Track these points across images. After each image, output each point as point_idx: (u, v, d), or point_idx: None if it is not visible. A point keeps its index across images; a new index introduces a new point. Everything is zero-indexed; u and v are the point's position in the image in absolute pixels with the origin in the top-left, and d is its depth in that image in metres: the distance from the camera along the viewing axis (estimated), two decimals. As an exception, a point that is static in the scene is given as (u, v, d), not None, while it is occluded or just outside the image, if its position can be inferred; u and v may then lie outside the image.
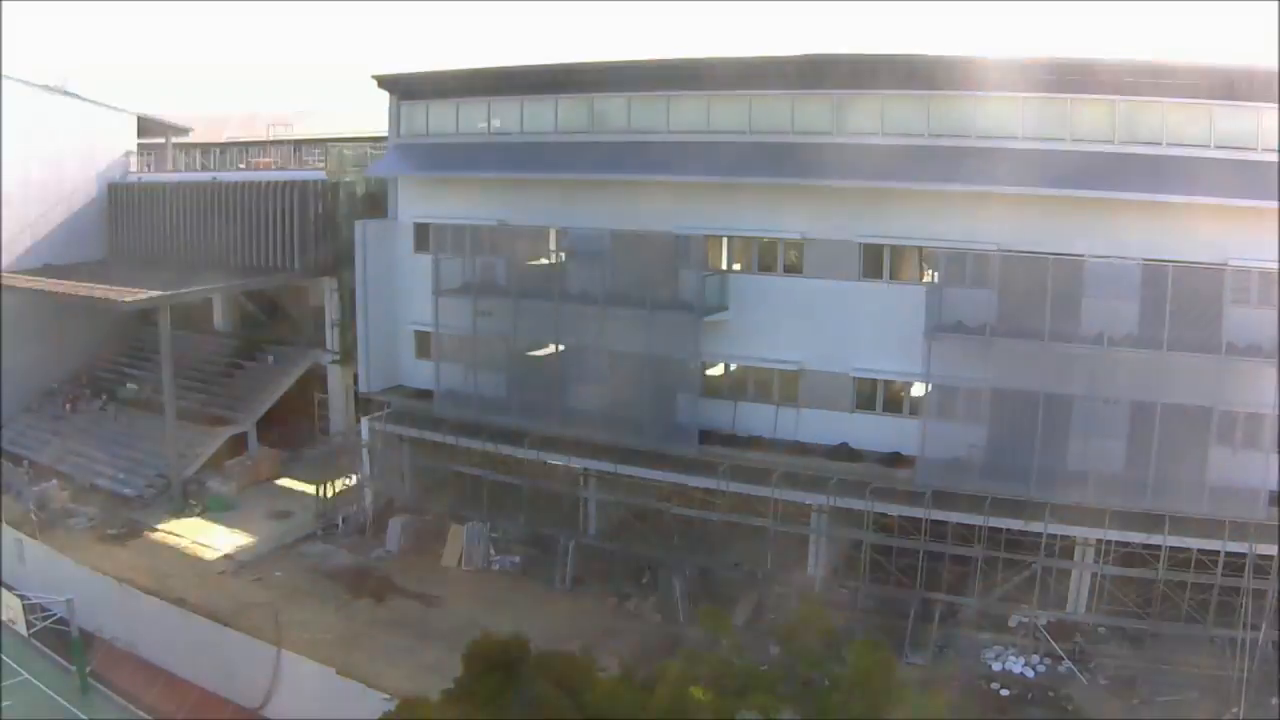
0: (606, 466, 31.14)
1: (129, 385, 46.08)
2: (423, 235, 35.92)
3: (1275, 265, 24.15)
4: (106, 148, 49.64)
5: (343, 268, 39.12)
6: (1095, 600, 26.28)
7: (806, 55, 29.98)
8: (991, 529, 26.32)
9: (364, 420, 36.71)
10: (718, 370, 31.87)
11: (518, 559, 32.71)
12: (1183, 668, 25.23)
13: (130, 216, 48.99)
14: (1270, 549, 24.26)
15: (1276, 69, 25.23)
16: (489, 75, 34.93)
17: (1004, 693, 25.15)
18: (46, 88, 51.45)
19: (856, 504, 27.55)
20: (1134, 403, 25.65)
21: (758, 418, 31.09)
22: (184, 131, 57.39)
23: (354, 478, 36.99)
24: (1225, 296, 24.53)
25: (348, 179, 39.73)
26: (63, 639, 29.56)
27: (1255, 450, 25.08)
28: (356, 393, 38.65)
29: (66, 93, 50.40)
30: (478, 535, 33.08)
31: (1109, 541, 25.36)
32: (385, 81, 36.98)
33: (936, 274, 27.34)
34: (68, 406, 45.42)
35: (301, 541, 35.20)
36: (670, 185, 31.42)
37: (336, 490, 37.08)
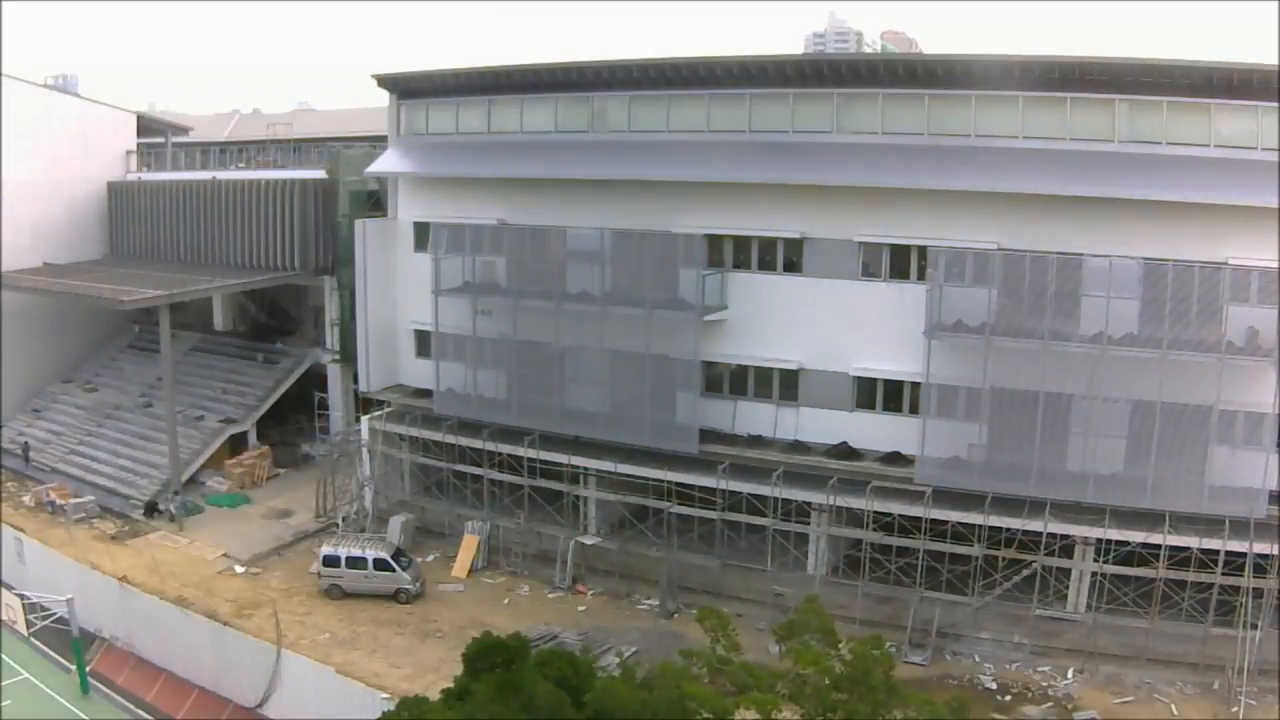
0: (606, 466, 31.15)
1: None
2: (423, 235, 35.94)
3: (1275, 265, 24.19)
4: (106, 147, 49.65)
5: (343, 267, 39.13)
6: (1095, 599, 26.29)
7: (806, 55, 30.09)
8: (991, 528, 26.35)
9: (364, 419, 36.72)
10: (717, 370, 31.81)
11: (518, 557, 32.68)
12: (1182, 667, 25.24)
13: (130, 216, 48.98)
14: (1269, 548, 24.29)
15: (1276, 69, 25.27)
16: (489, 75, 34.96)
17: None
18: (46, 87, 51.54)
19: (856, 502, 27.58)
20: (1134, 402, 25.66)
21: (757, 417, 31.09)
22: (184, 131, 57.40)
23: (354, 477, 36.97)
24: (1225, 296, 24.55)
25: (348, 178, 39.72)
26: (63, 639, 29.55)
27: (1255, 449, 25.10)
28: (356, 392, 38.66)
29: (66, 92, 50.43)
30: (478, 534, 33.07)
31: (1109, 540, 25.37)
32: (385, 81, 37.00)
33: (936, 273, 27.29)
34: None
35: (301, 540, 35.22)
36: (670, 185, 31.43)
37: (336, 489, 37.08)
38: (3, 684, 28.98)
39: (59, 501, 38.45)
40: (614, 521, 32.86)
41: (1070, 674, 25.61)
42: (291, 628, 28.35)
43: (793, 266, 30.48)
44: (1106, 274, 25.29)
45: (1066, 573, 26.89)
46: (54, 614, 29.41)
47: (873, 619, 27.01)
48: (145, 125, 53.69)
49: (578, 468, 31.89)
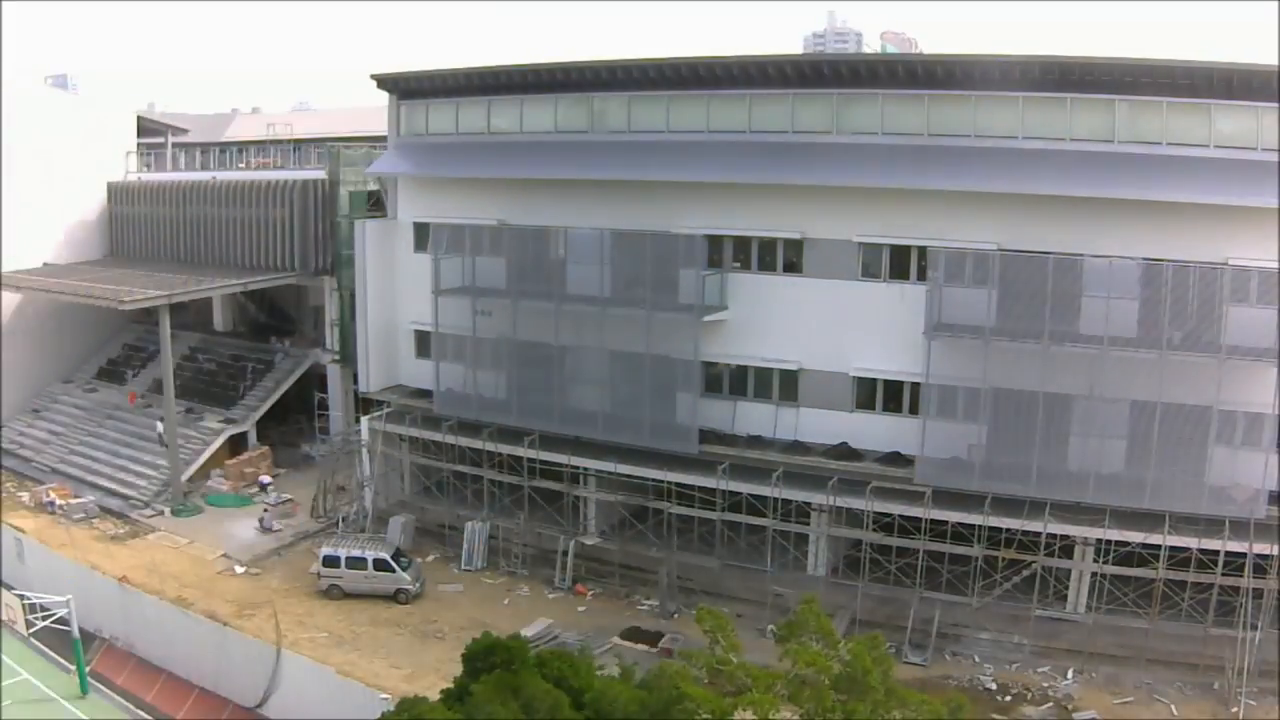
0: (606, 466, 31.14)
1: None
2: (423, 235, 35.93)
3: (1275, 265, 24.19)
4: (106, 147, 49.66)
5: (343, 268, 39.13)
6: (1095, 599, 26.28)
7: (806, 55, 30.07)
8: (991, 528, 26.34)
9: (364, 420, 36.73)
10: (717, 370, 31.79)
11: (518, 558, 32.69)
12: (1182, 667, 25.23)
13: (130, 216, 49.01)
14: (1269, 548, 24.29)
15: (1276, 69, 25.26)
16: (489, 75, 34.95)
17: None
18: (46, 87, 51.56)
19: (856, 503, 27.57)
20: (1134, 403, 25.65)
21: (757, 417, 31.08)
22: (184, 131, 57.46)
23: (353, 477, 36.96)
24: (1225, 296, 24.54)
25: (348, 178, 39.73)
26: (63, 639, 29.55)
27: (1255, 450, 25.08)
28: (356, 392, 38.67)
29: (66, 92, 50.43)
30: (478, 534, 33.10)
31: (1109, 541, 25.37)
32: (385, 82, 36.99)
33: (936, 274, 27.28)
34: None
35: (301, 541, 35.21)
36: (670, 185, 31.42)
37: (336, 489, 37.08)
38: (3, 684, 28.96)
39: (59, 502, 38.45)
40: (614, 522, 32.86)
41: (1070, 674, 25.61)
42: (291, 628, 28.35)
43: (793, 267, 30.47)
44: (1106, 274, 25.29)
45: (1066, 573, 26.90)
46: (54, 614, 29.39)
47: (873, 619, 27.03)
48: (145, 125, 53.74)
49: (578, 468, 31.88)
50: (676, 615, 29.10)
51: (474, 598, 30.96)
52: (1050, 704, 24.55)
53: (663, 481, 30.04)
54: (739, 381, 31.59)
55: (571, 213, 32.54)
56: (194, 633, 28.85)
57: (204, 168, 51.44)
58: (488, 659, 18.52)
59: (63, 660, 30.06)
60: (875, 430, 29.50)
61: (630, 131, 32.71)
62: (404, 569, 30.71)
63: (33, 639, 30.48)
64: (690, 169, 31.02)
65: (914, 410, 28.48)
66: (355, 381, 38.52)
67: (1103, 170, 26.36)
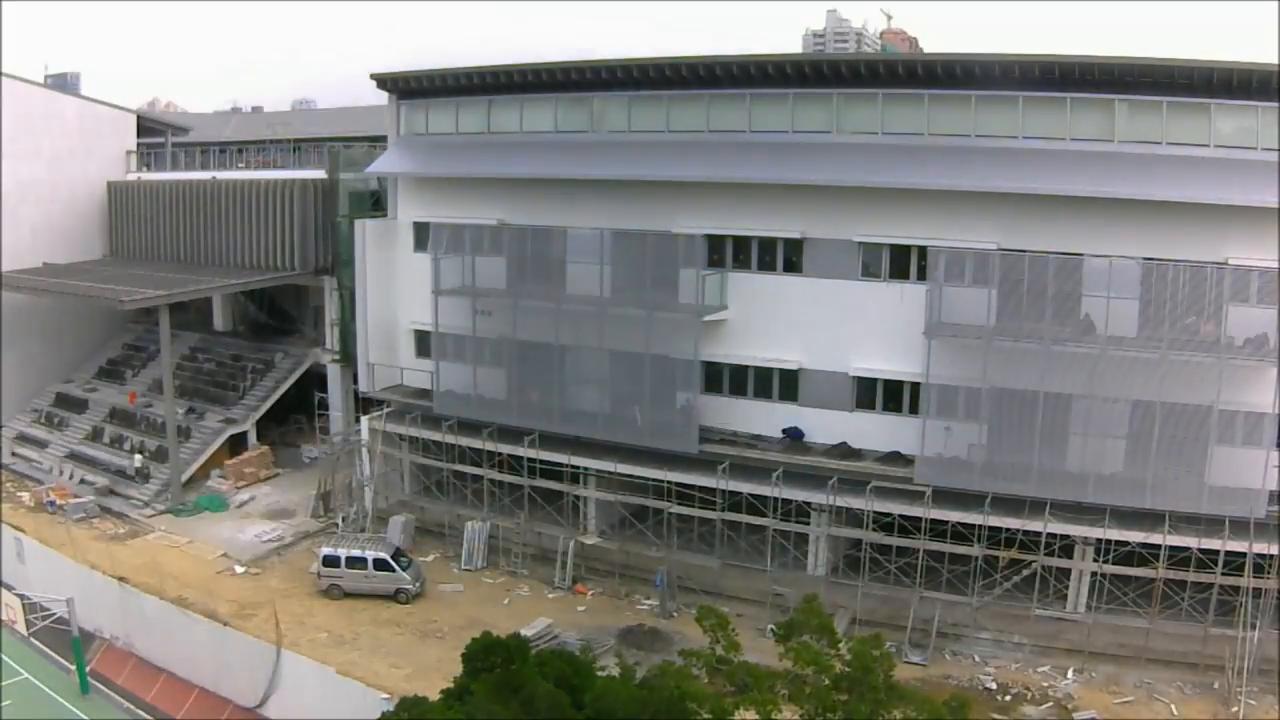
0: (606, 466, 31.14)
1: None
2: (422, 235, 35.95)
3: (1275, 265, 24.20)
4: (106, 147, 49.66)
5: (343, 267, 39.14)
6: (1095, 599, 26.29)
7: (806, 55, 30.05)
8: (991, 528, 26.35)
9: (364, 419, 36.73)
10: (717, 369, 31.77)
11: (518, 557, 32.69)
12: (1182, 667, 25.24)
13: (130, 216, 48.99)
14: (1269, 548, 24.29)
15: (1276, 69, 25.27)
16: (489, 75, 34.94)
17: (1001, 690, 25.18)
18: (46, 87, 51.54)
19: (856, 502, 27.57)
20: (1134, 403, 25.65)
21: (758, 417, 31.07)
22: (184, 130, 57.40)
23: (353, 477, 36.96)
24: (1225, 296, 24.54)
25: (348, 178, 39.71)
26: (63, 639, 29.56)
27: (1255, 450, 25.09)
28: (356, 392, 38.67)
29: (66, 92, 50.37)
30: (478, 534, 33.10)
31: (1109, 540, 25.37)
32: (385, 81, 36.99)
33: (936, 273, 27.27)
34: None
35: (301, 540, 35.21)
36: (670, 185, 31.43)
37: (336, 489, 37.09)
38: (3, 684, 28.97)
39: (59, 501, 38.46)
40: (614, 521, 32.86)
41: (1070, 674, 25.62)
42: (291, 628, 28.34)
43: (793, 266, 30.48)
44: (1106, 274, 25.30)
45: (1066, 573, 26.89)
46: (54, 614, 29.42)
47: (873, 619, 27.03)
48: (145, 124, 53.69)
49: (578, 468, 31.88)
50: (676, 615, 29.09)
51: (474, 597, 30.97)
52: (1050, 704, 24.55)
53: (663, 481, 30.04)
54: (739, 381, 31.60)
55: (571, 213, 32.56)
56: (194, 633, 28.85)
57: (204, 167, 51.32)
58: (488, 658, 18.54)
59: (63, 660, 30.07)
60: (875, 430, 29.51)
61: (630, 131, 32.72)
62: (404, 569, 30.72)
63: (33, 639, 30.51)
64: (690, 169, 31.01)
65: (914, 410, 28.49)
66: (355, 381, 38.52)
67: (1103, 170, 26.37)
